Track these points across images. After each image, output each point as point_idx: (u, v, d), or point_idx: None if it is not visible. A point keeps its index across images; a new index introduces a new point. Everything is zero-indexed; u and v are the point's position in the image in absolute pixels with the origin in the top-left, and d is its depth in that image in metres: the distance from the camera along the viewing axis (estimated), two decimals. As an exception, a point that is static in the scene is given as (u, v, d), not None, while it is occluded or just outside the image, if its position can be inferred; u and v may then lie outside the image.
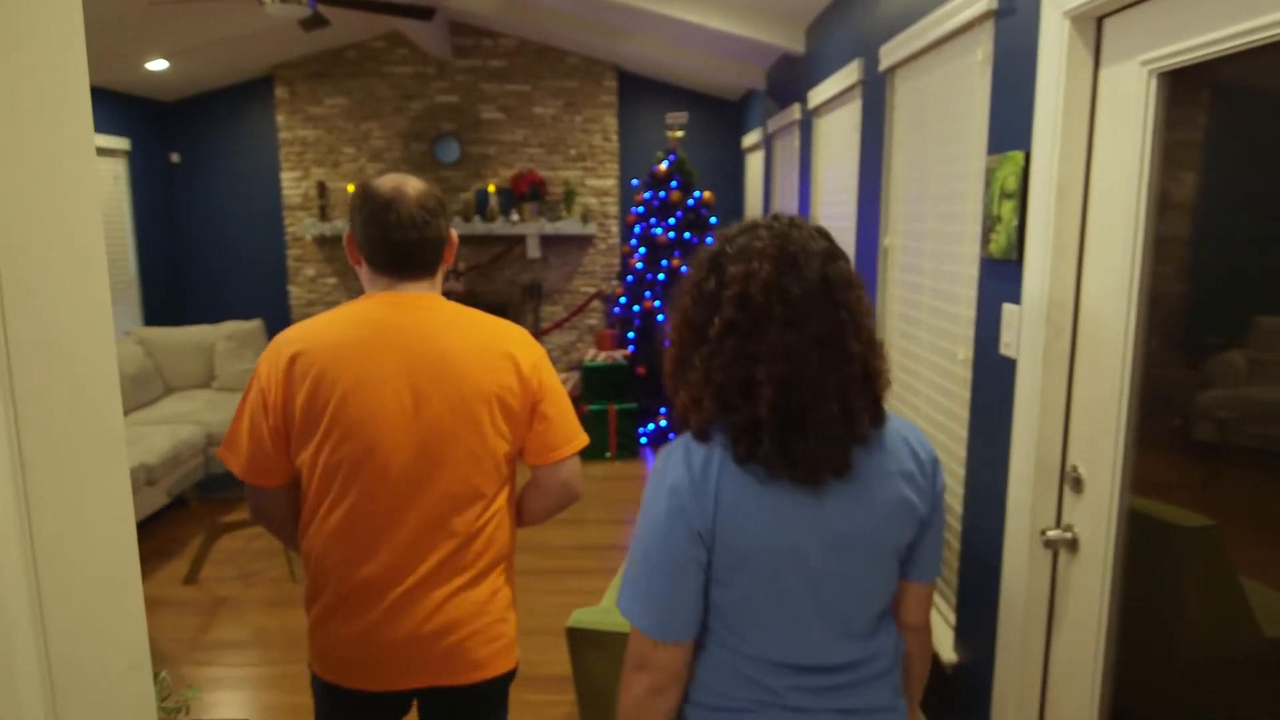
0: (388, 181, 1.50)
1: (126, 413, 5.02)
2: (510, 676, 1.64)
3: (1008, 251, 1.87)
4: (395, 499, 1.46)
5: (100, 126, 5.92)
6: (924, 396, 2.53)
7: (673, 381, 1.16)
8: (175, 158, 6.91)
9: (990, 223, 1.96)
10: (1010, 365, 1.88)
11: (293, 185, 6.84)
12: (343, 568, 1.48)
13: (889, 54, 2.74)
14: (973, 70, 2.16)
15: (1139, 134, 1.51)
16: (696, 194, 5.90)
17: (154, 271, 6.65)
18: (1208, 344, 1.46)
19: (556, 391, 1.56)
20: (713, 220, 5.94)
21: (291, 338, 1.47)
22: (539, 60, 6.75)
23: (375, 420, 1.43)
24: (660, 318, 5.83)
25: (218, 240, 7.00)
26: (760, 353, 1.07)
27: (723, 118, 6.90)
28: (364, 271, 1.54)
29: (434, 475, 1.46)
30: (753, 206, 6.24)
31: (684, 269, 5.77)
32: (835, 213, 3.66)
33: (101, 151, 5.98)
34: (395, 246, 1.48)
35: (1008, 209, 1.86)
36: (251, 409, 1.47)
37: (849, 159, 3.39)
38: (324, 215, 6.73)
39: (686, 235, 5.83)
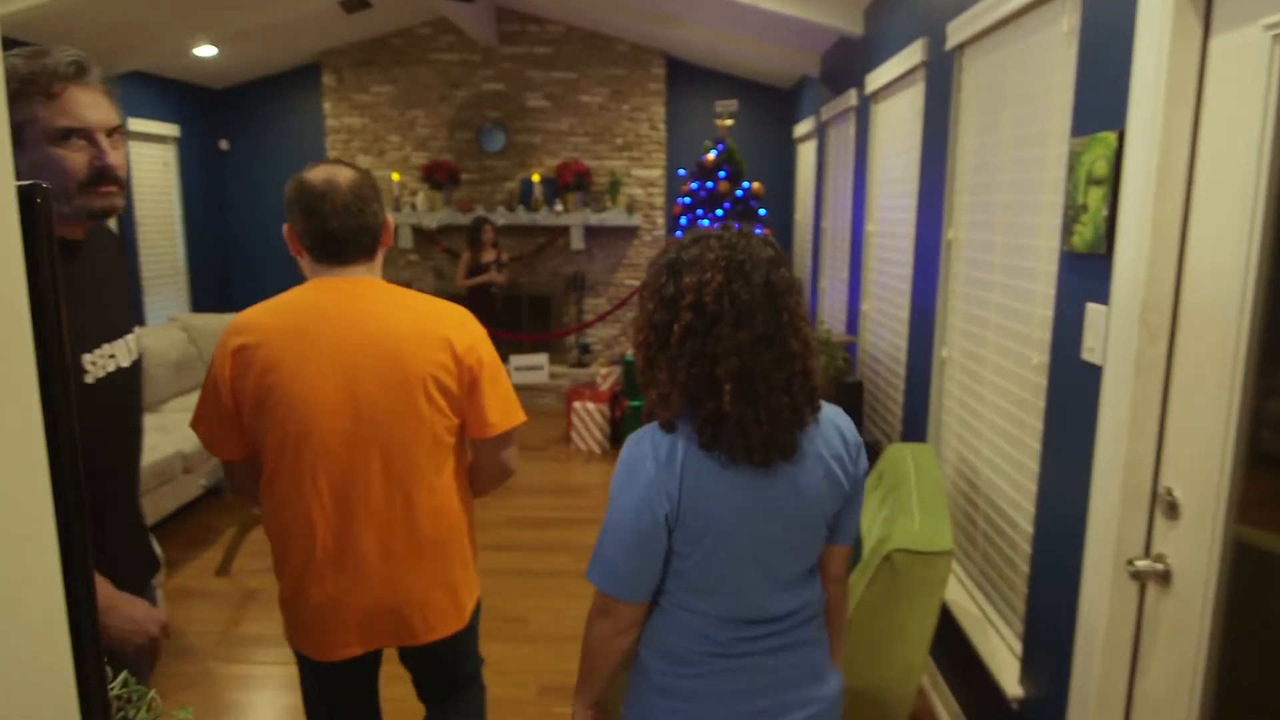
0: (320, 173, 1.56)
1: (168, 399, 5.02)
2: (470, 628, 1.74)
3: (1094, 245, 1.67)
4: (336, 477, 1.53)
5: (150, 113, 5.94)
6: (989, 403, 2.33)
7: (642, 378, 1.29)
8: (224, 145, 6.94)
9: (1074, 213, 1.76)
10: (1094, 373, 1.68)
11: (338, 173, 6.82)
12: (297, 542, 1.56)
13: (957, 31, 2.53)
14: (1055, 44, 1.96)
15: (1259, 109, 1.30)
16: (745, 185, 5.70)
17: (202, 258, 6.69)
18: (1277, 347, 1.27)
19: (495, 369, 1.63)
20: (762, 212, 5.74)
21: (237, 326, 1.53)
22: (586, 47, 6.61)
23: (311, 402, 1.50)
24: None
25: (264, 227, 7.01)
26: (717, 352, 1.20)
27: (774, 106, 6.68)
28: (305, 261, 1.60)
29: (372, 453, 1.53)
30: (804, 197, 6.03)
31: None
32: (893, 204, 3.45)
33: (151, 138, 6.01)
34: (332, 235, 1.55)
35: (1095, 197, 1.66)
36: (209, 390, 1.55)
37: (909, 146, 3.18)
38: (368, 204, 6.68)
39: (735, 227, 5.64)
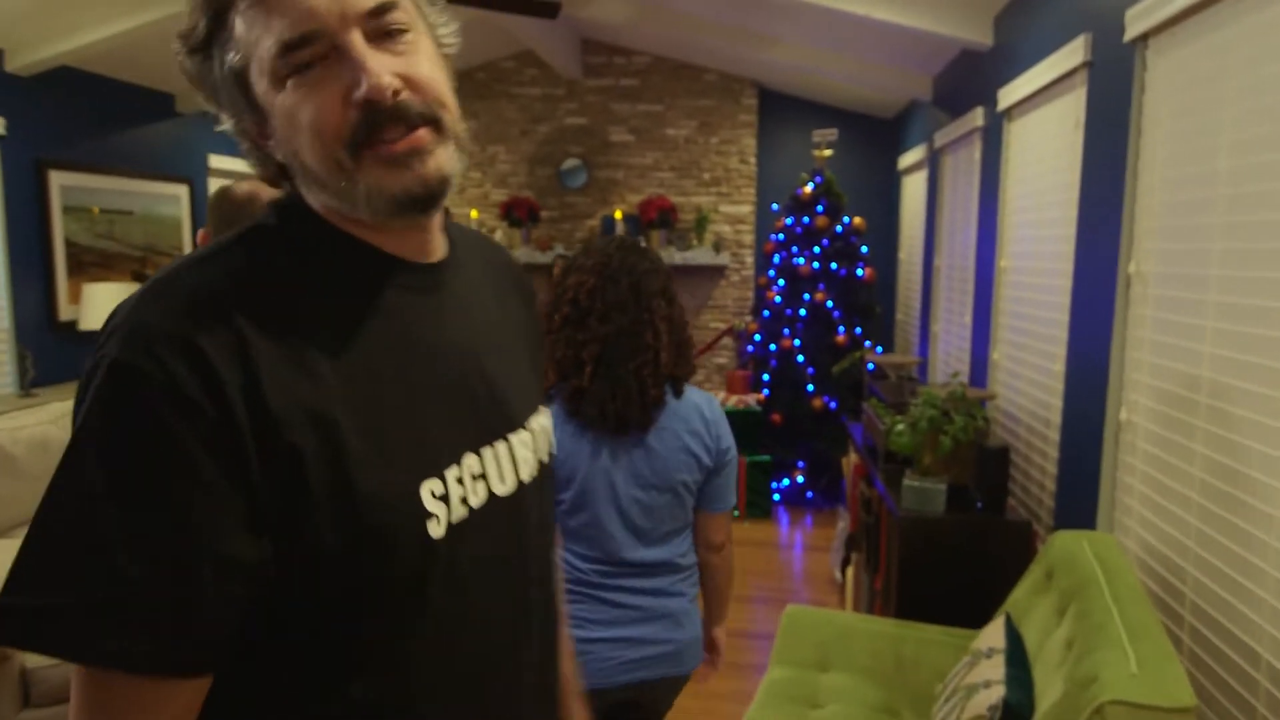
0: (244, 186, 1.66)
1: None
2: None
3: None
4: None
5: (236, 150, 5.87)
6: (1201, 485, 1.78)
7: None
8: (306, 183, 6.86)
9: (1374, 231, 1.24)
10: None
11: (417, 211, 6.64)
12: None
13: (1141, 18, 2.03)
14: (1316, 8, 1.45)
15: None
16: (846, 220, 5.23)
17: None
18: None
19: None
20: (863, 249, 5.24)
21: None
22: (673, 78, 6.29)
23: None
24: (800, 358, 5.15)
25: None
26: (585, 339, 1.56)
27: (876, 138, 6.20)
28: None
29: None
30: (910, 234, 5.50)
31: (829, 304, 5.09)
32: (1036, 234, 2.92)
33: (237, 176, 5.94)
34: None
35: None
36: None
37: (1062, 165, 2.66)
38: (446, 241, 6.47)
39: (833, 266, 5.15)
